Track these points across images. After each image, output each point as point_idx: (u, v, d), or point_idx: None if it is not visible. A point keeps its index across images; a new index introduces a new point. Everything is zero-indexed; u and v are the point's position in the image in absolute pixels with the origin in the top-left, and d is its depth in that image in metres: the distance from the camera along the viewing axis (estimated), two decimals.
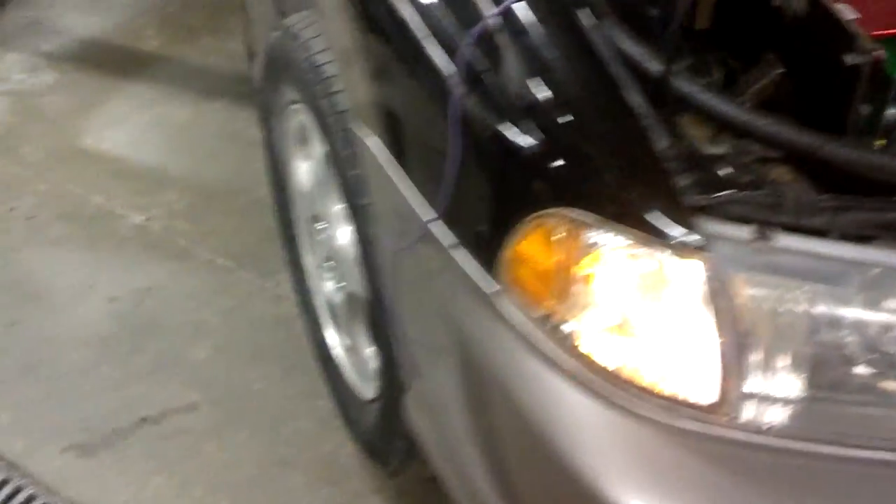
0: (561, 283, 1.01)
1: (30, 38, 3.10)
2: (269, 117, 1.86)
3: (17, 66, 2.99)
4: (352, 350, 1.86)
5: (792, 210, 0.94)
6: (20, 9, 3.22)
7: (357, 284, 1.63)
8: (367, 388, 1.79)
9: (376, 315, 1.48)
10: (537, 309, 1.04)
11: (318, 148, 1.65)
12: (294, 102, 1.69)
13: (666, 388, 0.99)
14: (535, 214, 1.00)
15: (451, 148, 1.05)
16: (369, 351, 1.74)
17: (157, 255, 2.42)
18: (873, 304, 0.95)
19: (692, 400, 0.98)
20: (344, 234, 1.66)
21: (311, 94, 1.52)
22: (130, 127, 2.78)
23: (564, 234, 0.99)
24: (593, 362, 1.01)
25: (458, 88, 1.05)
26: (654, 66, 1.01)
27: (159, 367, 2.17)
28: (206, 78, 2.93)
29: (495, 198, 1.06)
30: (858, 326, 0.95)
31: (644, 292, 0.98)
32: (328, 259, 1.83)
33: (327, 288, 1.86)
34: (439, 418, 1.30)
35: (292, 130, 1.78)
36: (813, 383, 0.97)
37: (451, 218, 1.11)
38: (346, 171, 1.45)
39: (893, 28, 1.10)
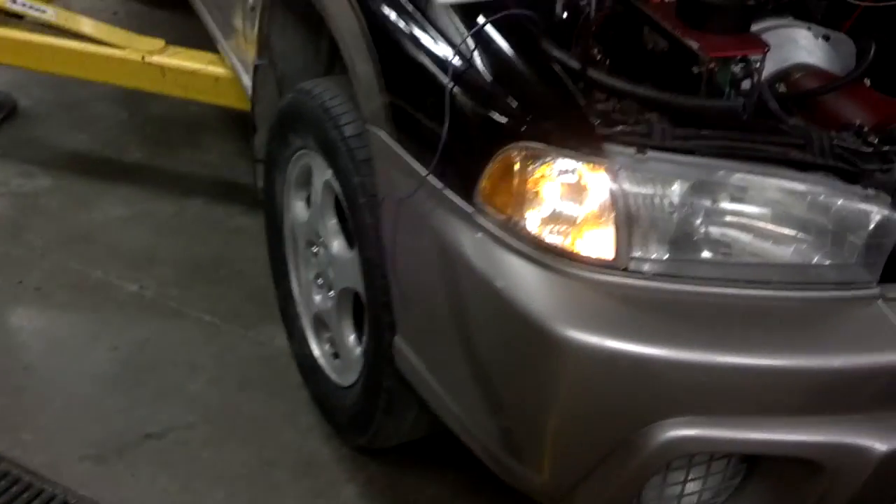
0: (518, 194, 1.73)
1: (26, 150, 3.75)
2: (272, 171, 2.57)
3: (15, 173, 3.62)
4: (334, 354, 2.52)
5: (658, 137, 1.70)
6: (15, 128, 3.89)
7: (349, 279, 2.31)
8: (347, 377, 2.44)
9: (369, 283, 2.16)
10: (502, 215, 1.75)
11: (320, 180, 2.36)
12: (301, 149, 2.40)
13: (583, 252, 1.70)
14: (500, 150, 1.73)
15: (446, 122, 1.79)
16: (352, 339, 2.41)
17: (152, 314, 3.03)
18: (706, 194, 1.70)
19: (599, 258, 1.70)
20: (337, 243, 2.35)
21: (322, 131, 2.24)
22: (121, 219, 3.42)
23: (520, 159, 1.72)
24: (540, 241, 1.71)
25: (450, 82, 1.80)
26: (575, 63, 1.79)
27: (160, 397, 2.74)
28: (186, 182, 3.60)
29: (472, 148, 1.79)
30: (697, 206, 1.69)
31: (571, 192, 1.71)
32: (318, 276, 2.50)
33: (316, 301, 2.53)
34: (427, 329, 1.98)
35: (296, 175, 2.49)
36: (671, 245, 1.69)
37: (440, 170, 1.83)
38: (350, 178, 2.16)
39: (724, 52, 1.88)
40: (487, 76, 1.80)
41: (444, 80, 1.82)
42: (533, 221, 1.72)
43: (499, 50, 1.82)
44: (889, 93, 2.04)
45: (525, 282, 1.72)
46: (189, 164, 3.71)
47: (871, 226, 1.70)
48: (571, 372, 1.69)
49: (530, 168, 1.71)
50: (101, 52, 3.28)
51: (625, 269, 1.69)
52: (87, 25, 3.34)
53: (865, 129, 1.93)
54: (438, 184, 1.84)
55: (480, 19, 1.83)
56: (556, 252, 1.71)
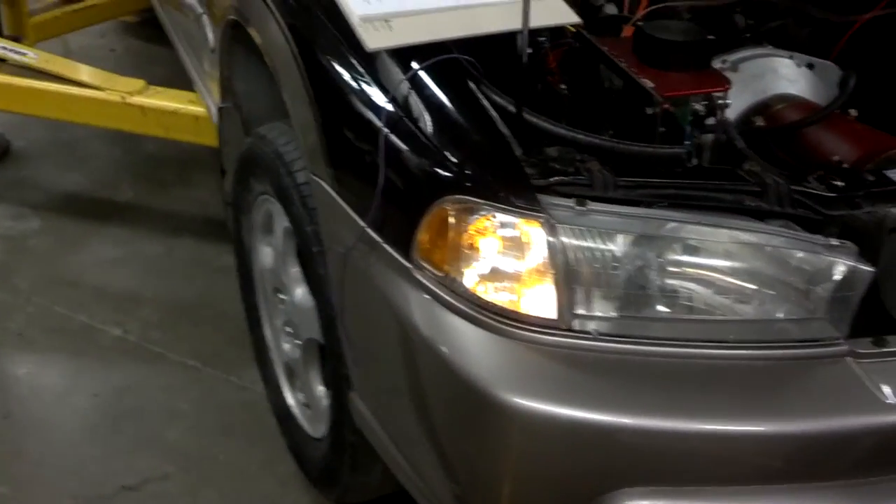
0: (454, 250, 1.59)
1: (16, 191, 3.68)
2: (240, 216, 2.45)
3: (5, 214, 3.55)
4: (305, 403, 2.39)
5: (599, 187, 1.55)
6: (8, 169, 3.82)
7: (312, 329, 2.18)
8: (318, 428, 2.31)
9: (328, 335, 2.03)
10: (440, 271, 1.61)
11: (280, 226, 2.23)
12: (262, 194, 2.28)
13: (525, 311, 1.56)
14: (434, 203, 1.59)
15: (380, 173, 1.66)
16: (321, 390, 2.29)
17: (134, 359, 2.93)
18: (654, 248, 1.55)
19: (541, 318, 1.55)
20: (300, 292, 2.23)
21: (277, 177, 2.12)
22: (109, 260, 3.33)
23: (454, 213, 1.58)
24: (480, 300, 1.57)
25: (383, 131, 1.67)
26: (511, 108, 1.64)
27: (138, 446, 2.64)
28: (176, 221, 3.51)
29: (407, 199, 1.66)
30: (644, 261, 1.54)
31: (509, 248, 1.56)
32: (286, 324, 2.38)
33: (286, 350, 2.40)
34: (377, 388, 1.84)
35: (259, 221, 2.37)
36: (618, 301, 1.54)
37: (376, 223, 1.70)
38: (303, 226, 2.03)
39: (679, 91, 1.74)
40: (421, 124, 1.66)
41: (377, 127, 1.69)
42: (471, 279, 1.59)
43: (433, 96, 1.68)
44: (881, 123, 1.88)
45: (466, 343, 1.59)
46: (180, 202, 3.62)
47: (836, 278, 1.54)
48: (517, 439, 1.56)
49: (465, 222, 1.58)
50: (82, 94, 3.20)
51: (568, 329, 1.55)
52: (67, 67, 3.26)
53: (844, 165, 1.78)
54: (376, 236, 1.71)
55: (415, 64, 1.70)
56: (497, 311, 1.57)
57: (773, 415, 1.51)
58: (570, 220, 1.54)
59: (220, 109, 2.50)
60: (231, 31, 2.32)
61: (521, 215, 1.55)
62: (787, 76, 2.02)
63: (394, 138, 1.67)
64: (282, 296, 2.36)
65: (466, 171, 1.59)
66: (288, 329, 2.37)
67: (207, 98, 2.91)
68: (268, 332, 2.51)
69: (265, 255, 2.41)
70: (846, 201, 1.59)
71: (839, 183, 1.60)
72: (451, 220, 1.58)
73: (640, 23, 1.87)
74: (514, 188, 1.55)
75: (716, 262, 1.55)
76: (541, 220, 1.54)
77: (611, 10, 2.09)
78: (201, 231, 3.46)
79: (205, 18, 2.53)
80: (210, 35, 2.49)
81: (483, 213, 1.56)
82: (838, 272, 1.54)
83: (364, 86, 1.77)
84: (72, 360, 2.94)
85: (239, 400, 2.79)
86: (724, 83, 1.77)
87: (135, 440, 2.66)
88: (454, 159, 1.60)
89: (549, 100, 1.80)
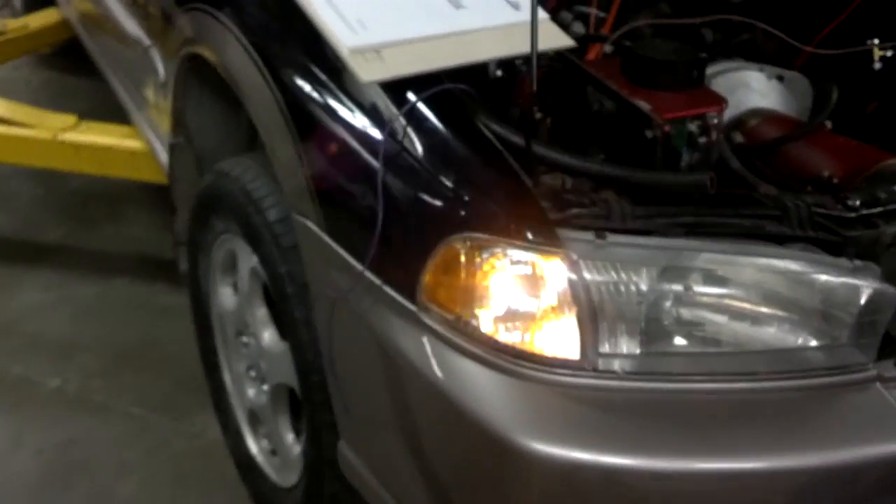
0: (466, 290, 1.48)
1: None
2: (196, 255, 2.30)
3: None
4: (272, 451, 2.25)
5: (617, 218, 1.46)
6: None
7: (283, 374, 2.05)
8: (287, 477, 2.17)
9: (305, 382, 1.90)
10: (450, 314, 1.50)
11: (246, 266, 2.09)
12: (224, 232, 2.14)
13: (544, 352, 1.45)
14: (442, 242, 1.48)
15: (380, 212, 1.54)
16: (291, 438, 2.15)
17: (76, 411, 2.72)
18: (678, 279, 1.46)
19: (563, 358, 1.45)
20: (269, 335, 2.09)
21: (244, 215, 1.98)
22: (40, 306, 3.11)
23: (465, 252, 1.47)
24: (495, 342, 1.46)
25: (381, 167, 1.55)
26: (517, 139, 1.54)
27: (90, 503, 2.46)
28: (110, 260, 3.30)
29: (410, 239, 1.54)
30: (668, 293, 1.45)
31: (526, 286, 1.46)
32: (249, 368, 2.23)
33: (249, 396, 2.25)
34: (373, 436, 1.72)
35: (220, 260, 2.22)
36: (643, 337, 1.45)
37: (377, 265, 1.58)
38: (277, 267, 1.90)
39: (679, 112, 1.66)
40: (423, 159, 1.55)
41: (375, 164, 1.57)
42: (486, 320, 1.48)
43: (434, 129, 1.57)
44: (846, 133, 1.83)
45: (480, 388, 1.47)
46: (111, 241, 3.41)
47: (862, 301, 1.47)
48: (537, 489, 1.45)
49: (478, 261, 1.47)
50: (9, 132, 3.00)
51: (593, 370, 1.45)
52: None
53: (835, 181, 1.72)
54: (376, 279, 1.58)
55: (411, 96, 1.58)
56: (514, 353, 1.47)
57: (807, 448, 1.44)
58: (590, 255, 1.44)
59: (171, 145, 2.34)
60: (187, 65, 2.17)
61: (539, 251, 1.44)
62: (759, 90, 1.96)
63: (393, 175, 1.55)
64: (245, 339, 2.21)
65: (478, 207, 1.48)
66: (252, 373, 2.23)
67: (149, 132, 2.74)
68: (227, 377, 2.36)
69: (225, 296, 2.27)
70: (862, 221, 1.52)
71: (856, 202, 1.53)
72: (462, 258, 1.47)
73: (626, 43, 1.78)
74: (530, 223, 1.45)
75: (742, 292, 1.47)
76: (561, 256, 1.43)
77: (578, 28, 2.00)
78: (136, 270, 3.27)
79: (153, 51, 2.37)
80: (161, 68, 2.33)
81: (497, 249, 1.46)
82: (864, 295, 1.47)
83: (355, 120, 1.64)
84: (10, 416, 2.73)
85: (192, 448, 2.62)
86: (720, 102, 1.70)
87: (85, 497, 2.48)
88: (463, 195, 1.49)
89: (525, 126, 1.70)
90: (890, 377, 1.49)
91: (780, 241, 1.51)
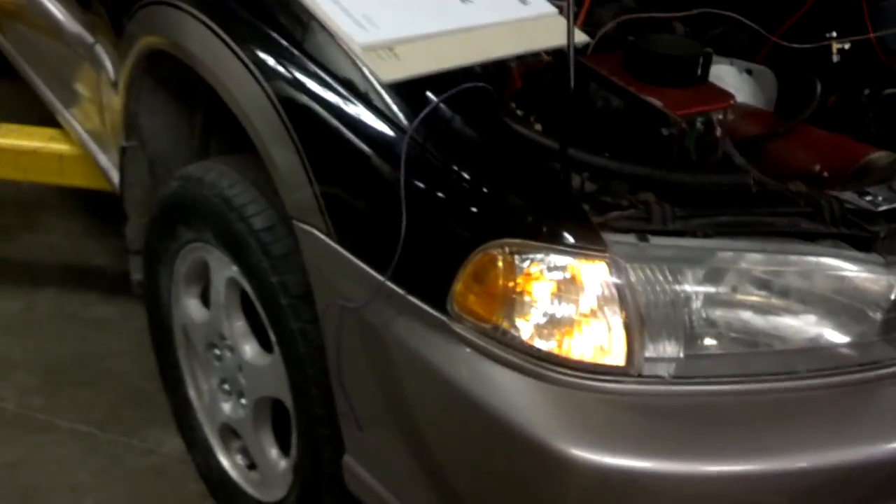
0: (503, 298, 1.41)
1: None
2: (155, 266, 2.17)
3: None
4: (249, 465, 2.14)
5: (658, 220, 1.42)
6: None
7: (267, 387, 1.94)
8: (270, 492, 2.07)
9: (299, 395, 1.80)
10: (485, 322, 1.43)
11: (221, 277, 1.97)
12: (193, 241, 2.02)
13: (586, 359, 1.40)
14: (477, 249, 1.41)
15: (403, 219, 1.45)
16: (274, 453, 2.05)
17: (19, 431, 2.54)
18: (722, 280, 1.43)
19: (607, 364, 1.40)
20: (250, 347, 1.98)
21: (224, 223, 1.87)
22: None
23: (502, 259, 1.40)
24: (535, 350, 1.40)
25: (403, 172, 1.46)
26: (552, 143, 1.48)
27: None
28: (32, 271, 3.10)
29: (440, 247, 1.46)
30: (711, 295, 1.42)
31: (567, 291, 1.40)
32: (223, 381, 2.12)
33: (224, 410, 2.14)
34: (390, 451, 1.64)
35: (184, 271, 2.10)
36: (686, 340, 1.41)
37: (399, 274, 1.50)
38: (267, 277, 1.80)
39: (691, 109, 1.62)
40: (451, 162, 1.47)
41: (392, 169, 1.49)
42: (525, 329, 1.41)
43: (461, 131, 1.49)
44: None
45: (520, 398, 1.41)
46: (32, 250, 3.20)
47: (893, 296, 1.47)
48: (584, 501, 1.39)
49: (517, 268, 1.40)
50: None
51: (639, 375, 1.40)
52: None
53: (824, 174, 1.71)
54: (398, 289, 1.50)
55: (430, 95, 1.50)
56: (556, 361, 1.41)
57: (856, 443, 1.42)
58: (634, 258, 1.39)
59: (122, 149, 2.20)
60: (144, 64, 2.03)
61: (582, 255, 1.39)
62: (732, 84, 1.93)
63: (417, 181, 1.47)
64: (218, 352, 2.10)
65: (516, 212, 1.41)
66: (226, 387, 2.12)
67: (81, 132, 2.57)
68: (192, 394, 2.24)
69: (191, 307, 2.14)
70: (885, 216, 1.52)
71: (879, 197, 1.52)
72: (500, 265, 1.40)
73: (631, 38, 1.74)
74: (572, 226, 1.39)
75: (783, 291, 1.45)
76: (606, 260, 1.38)
77: None
78: (61, 280, 3.08)
79: (98, 48, 2.22)
80: (109, 66, 2.18)
81: (538, 255, 1.39)
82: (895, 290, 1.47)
83: (368, 121, 1.55)
84: None
85: (146, 465, 2.48)
86: (728, 98, 1.67)
87: None
88: (497, 198, 1.42)
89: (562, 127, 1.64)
90: None
91: (811, 238, 1.49)
